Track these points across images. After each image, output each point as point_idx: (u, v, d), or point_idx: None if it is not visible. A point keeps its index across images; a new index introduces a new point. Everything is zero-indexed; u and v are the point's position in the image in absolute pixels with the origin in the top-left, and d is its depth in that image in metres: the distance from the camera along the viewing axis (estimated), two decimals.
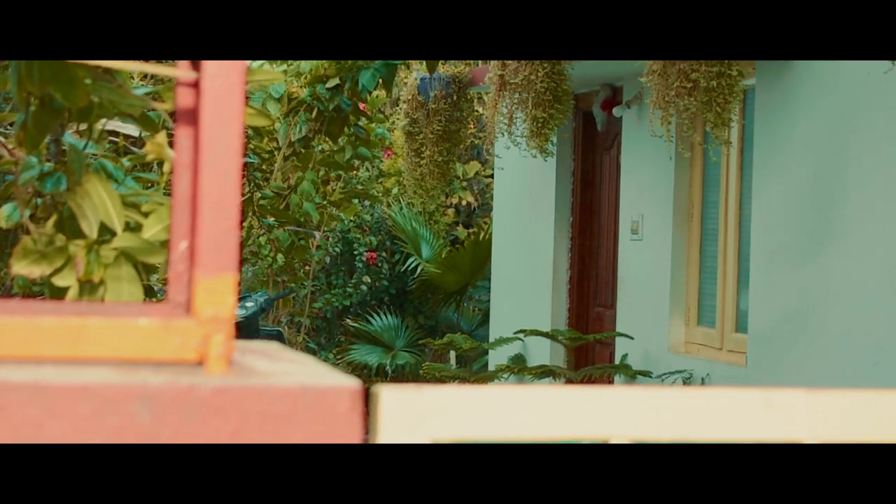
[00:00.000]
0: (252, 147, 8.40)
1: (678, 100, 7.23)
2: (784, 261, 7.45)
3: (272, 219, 8.01)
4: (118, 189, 2.66)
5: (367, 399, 1.43)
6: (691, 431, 1.54)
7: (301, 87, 9.60)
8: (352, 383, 1.35)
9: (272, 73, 2.09)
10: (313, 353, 14.41)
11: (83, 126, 2.79)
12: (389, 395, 1.47)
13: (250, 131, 9.03)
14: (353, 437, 1.34)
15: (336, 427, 1.34)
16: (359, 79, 9.00)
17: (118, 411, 1.29)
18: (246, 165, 8.27)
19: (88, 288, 1.98)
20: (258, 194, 8.12)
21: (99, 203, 2.09)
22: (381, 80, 9.09)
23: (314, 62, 9.36)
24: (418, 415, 1.47)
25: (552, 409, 1.52)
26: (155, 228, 2.02)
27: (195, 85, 1.46)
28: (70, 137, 2.85)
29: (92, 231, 2.08)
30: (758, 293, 7.70)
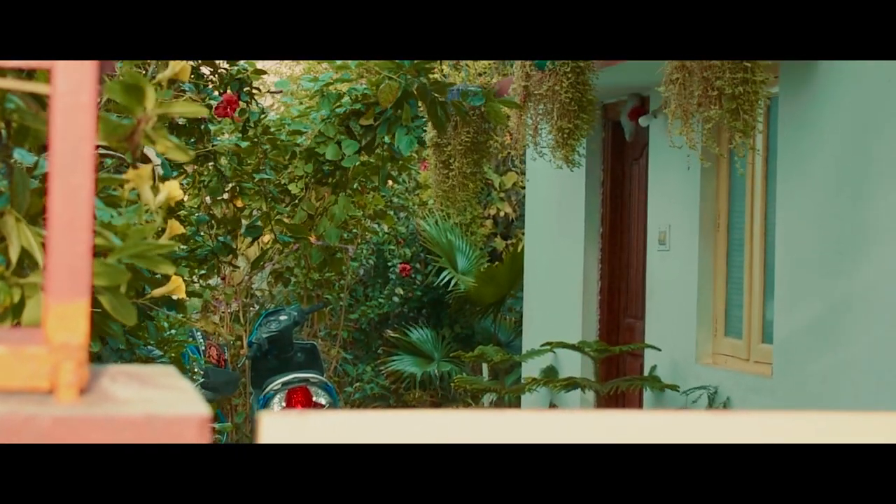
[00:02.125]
0: (271, 163, 8.39)
1: (701, 109, 7.12)
2: (809, 271, 7.35)
3: (287, 234, 7.99)
4: None
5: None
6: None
7: (334, 117, 9.56)
8: (201, 412, 1.30)
9: (193, 107, 2.04)
10: (349, 364, 14.39)
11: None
12: (270, 422, 1.43)
13: (275, 154, 9.00)
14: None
15: None
16: (395, 136, 8.95)
17: None
18: (262, 181, 8.25)
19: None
20: (276, 209, 8.11)
21: (20, 230, 2.05)
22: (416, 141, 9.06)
23: (348, 95, 9.33)
24: (300, 441, 1.43)
25: (442, 433, 1.47)
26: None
27: None
28: (27, 156, 2.82)
29: (13, 256, 2.04)
30: (783, 303, 7.61)
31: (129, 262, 2.19)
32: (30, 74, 2.40)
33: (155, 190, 2.54)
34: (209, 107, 7.70)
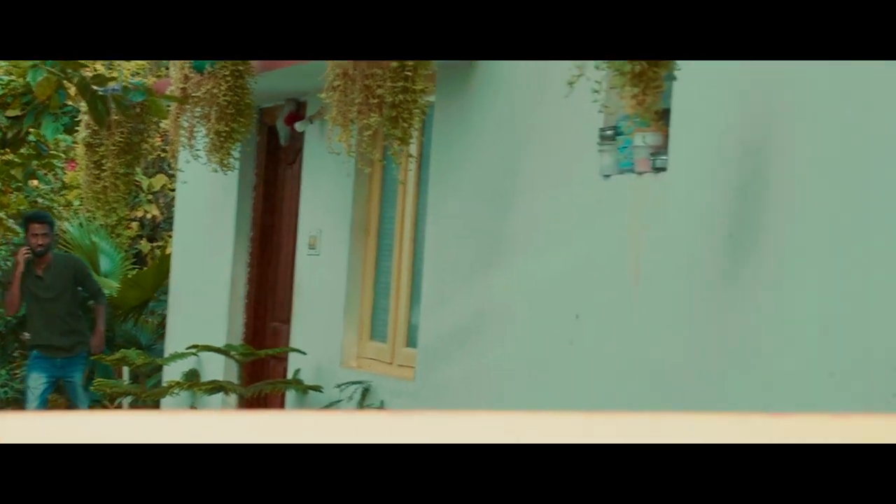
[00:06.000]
0: None
1: (361, 117, 7.19)
2: (455, 277, 7.58)
3: None
4: None
5: None
6: None
7: None
8: None
9: None
10: None
11: None
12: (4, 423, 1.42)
13: None
14: None
15: None
16: (42, 123, 8.79)
17: None
18: None
19: None
20: None
21: None
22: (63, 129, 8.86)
23: None
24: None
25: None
26: None
27: None
28: None
29: None
30: (428, 309, 7.81)
31: None
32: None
33: None
34: None
